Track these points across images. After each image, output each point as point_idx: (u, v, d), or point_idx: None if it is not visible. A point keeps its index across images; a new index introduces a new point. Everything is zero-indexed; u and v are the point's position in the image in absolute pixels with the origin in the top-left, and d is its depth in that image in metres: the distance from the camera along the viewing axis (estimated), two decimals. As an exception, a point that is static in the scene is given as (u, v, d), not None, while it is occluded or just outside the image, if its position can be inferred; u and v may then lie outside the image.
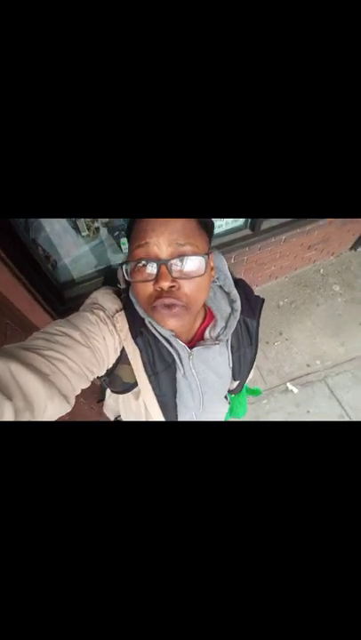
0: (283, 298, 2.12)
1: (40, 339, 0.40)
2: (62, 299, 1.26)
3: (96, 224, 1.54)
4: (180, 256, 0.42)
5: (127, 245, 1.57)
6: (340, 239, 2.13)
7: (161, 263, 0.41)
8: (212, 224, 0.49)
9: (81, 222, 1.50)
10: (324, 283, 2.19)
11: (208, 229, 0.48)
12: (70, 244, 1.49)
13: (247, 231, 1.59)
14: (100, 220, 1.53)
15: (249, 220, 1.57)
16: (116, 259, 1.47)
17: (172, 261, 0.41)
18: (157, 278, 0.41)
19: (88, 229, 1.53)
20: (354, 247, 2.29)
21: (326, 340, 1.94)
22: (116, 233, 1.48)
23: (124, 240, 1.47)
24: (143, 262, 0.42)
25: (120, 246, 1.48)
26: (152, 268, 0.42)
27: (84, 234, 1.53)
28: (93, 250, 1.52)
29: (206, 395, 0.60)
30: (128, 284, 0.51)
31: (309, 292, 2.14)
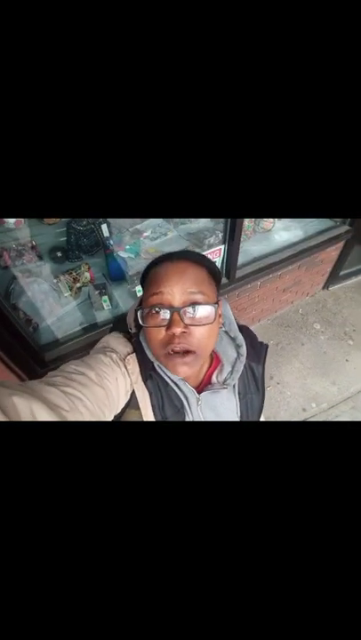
0: (268, 340, 2.15)
1: (58, 376, 0.41)
2: (42, 361, 1.20)
3: (78, 284, 1.57)
4: (192, 304, 0.44)
5: (108, 302, 1.58)
6: (312, 280, 2.28)
7: (174, 310, 0.44)
8: (220, 275, 0.54)
9: (63, 283, 1.53)
10: (305, 322, 2.26)
11: (217, 279, 0.52)
12: (53, 304, 1.49)
13: (223, 279, 1.67)
14: (81, 280, 1.57)
15: (224, 268, 1.66)
16: (99, 316, 1.47)
17: (185, 309, 0.44)
18: (170, 324, 0.44)
19: (70, 290, 1.55)
20: (326, 286, 2.45)
21: (317, 380, 1.92)
22: (97, 291, 1.50)
23: (105, 298, 1.49)
24: (157, 309, 0.45)
25: (102, 303, 1.49)
26: (165, 315, 0.44)
27: (66, 294, 1.55)
28: (77, 308, 1.53)
29: None
30: (139, 328, 0.53)
31: (293, 332, 2.19)
